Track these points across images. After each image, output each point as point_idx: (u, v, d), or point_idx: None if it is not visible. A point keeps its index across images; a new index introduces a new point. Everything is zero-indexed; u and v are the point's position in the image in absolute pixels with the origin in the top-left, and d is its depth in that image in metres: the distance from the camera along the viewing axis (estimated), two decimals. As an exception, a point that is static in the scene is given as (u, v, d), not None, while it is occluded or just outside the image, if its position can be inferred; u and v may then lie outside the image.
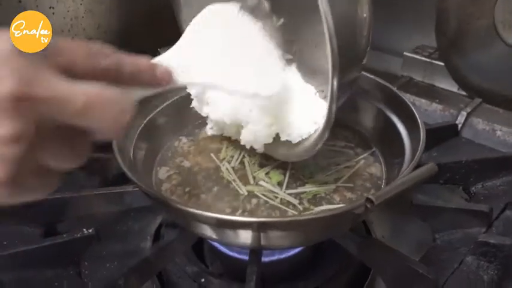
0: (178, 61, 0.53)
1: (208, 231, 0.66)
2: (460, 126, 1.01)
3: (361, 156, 0.82)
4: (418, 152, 0.65)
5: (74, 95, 0.39)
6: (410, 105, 0.77)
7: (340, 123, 0.89)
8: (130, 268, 0.67)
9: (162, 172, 0.81)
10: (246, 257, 0.76)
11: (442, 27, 1.06)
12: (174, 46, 0.57)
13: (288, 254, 0.80)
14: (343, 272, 0.79)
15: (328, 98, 0.53)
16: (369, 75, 0.86)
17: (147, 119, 0.84)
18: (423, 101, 1.09)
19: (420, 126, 0.72)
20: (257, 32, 0.63)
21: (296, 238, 0.64)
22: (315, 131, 0.64)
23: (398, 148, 0.77)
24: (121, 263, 0.75)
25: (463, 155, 0.90)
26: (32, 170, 0.40)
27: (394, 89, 0.82)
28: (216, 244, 0.83)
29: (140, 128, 0.81)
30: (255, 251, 0.70)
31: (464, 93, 1.12)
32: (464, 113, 1.02)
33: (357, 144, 0.86)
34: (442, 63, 1.13)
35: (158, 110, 0.86)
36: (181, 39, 0.58)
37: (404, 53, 1.22)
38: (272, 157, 0.78)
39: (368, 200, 0.53)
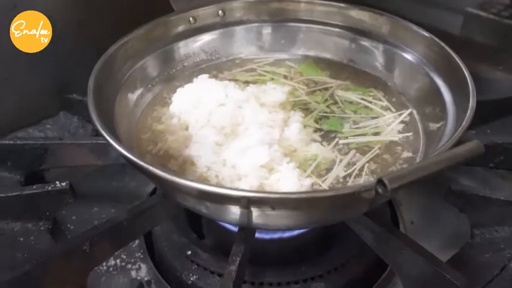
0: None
1: (189, 202, 0.55)
2: (526, 101, 0.83)
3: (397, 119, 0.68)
4: (460, 127, 0.50)
5: None
6: (459, 60, 0.61)
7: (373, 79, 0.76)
8: (98, 233, 0.57)
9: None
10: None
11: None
12: None
13: (291, 233, 0.68)
14: (356, 263, 0.67)
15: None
16: (410, 24, 0.71)
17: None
18: (483, 67, 0.90)
19: (470, 92, 0.56)
20: None
21: (291, 219, 0.51)
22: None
23: (438, 112, 0.62)
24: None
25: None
26: None
27: (437, 39, 0.66)
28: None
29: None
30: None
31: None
32: (534, 86, 0.83)
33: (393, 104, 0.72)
34: (514, 23, 0.93)
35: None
36: None
37: (467, 8, 1.01)
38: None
39: (380, 182, 0.39)
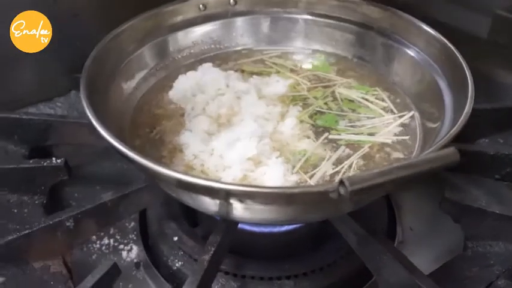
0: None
1: (168, 189, 0.55)
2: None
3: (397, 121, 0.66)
4: (448, 134, 0.48)
5: None
6: (463, 61, 0.58)
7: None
8: (81, 212, 0.59)
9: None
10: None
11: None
12: None
13: (280, 229, 0.67)
14: (343, 264, 0.65)
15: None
16: (419, 22, 0.68)
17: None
18: (502, 72, 0.86)
19: (469, 97, 0.53)
20: None
21: (265, 213, 0.51)
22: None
23: (437, 114, 0.60)
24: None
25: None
26: None
27: (444, 39, 0.63)
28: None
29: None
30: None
31: None
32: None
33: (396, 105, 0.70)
34: (544, 29, 0.88)
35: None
36: None
37: (496, 11, 0.96)
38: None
39: (342, 183, 0.38)
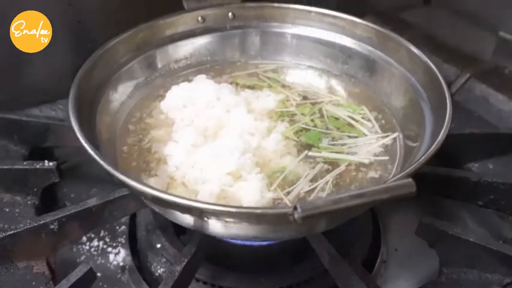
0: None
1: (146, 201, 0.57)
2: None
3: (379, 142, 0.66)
4: (417, 162, 0.48)
5: None
6: (446, 89, 0.58)
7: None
8: (65, 215, 0.61)
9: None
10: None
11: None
12: None
13: (260, 243, 0.68)
14: (319, 282, 0.65)
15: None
16: (403, 41, 0.69)
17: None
18: (500, 97, 0.85)
19: (444, 126, 0.53)
20: None
21: (234, 230, 0.52)
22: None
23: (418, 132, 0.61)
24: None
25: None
26: None
27: (434, 68, 0.63)
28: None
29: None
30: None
31: None
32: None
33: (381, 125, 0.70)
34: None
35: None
36: None
37: (500, 32, 0.95)
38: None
39: (295, 209, 0.39)
